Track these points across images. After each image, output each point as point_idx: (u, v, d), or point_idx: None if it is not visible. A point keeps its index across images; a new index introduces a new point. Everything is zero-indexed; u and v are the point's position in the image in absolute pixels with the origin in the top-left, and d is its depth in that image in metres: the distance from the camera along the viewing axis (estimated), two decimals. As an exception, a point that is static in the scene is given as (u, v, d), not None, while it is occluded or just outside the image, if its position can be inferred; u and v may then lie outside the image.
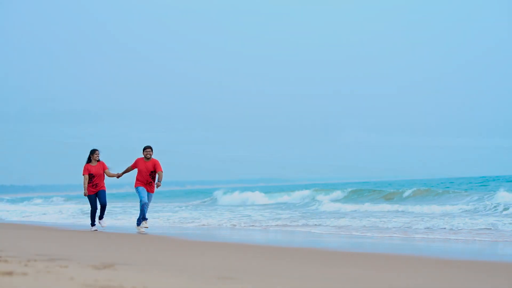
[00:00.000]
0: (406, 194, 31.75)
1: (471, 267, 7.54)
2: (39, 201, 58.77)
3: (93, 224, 15.05)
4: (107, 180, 15.01)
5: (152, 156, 14.13)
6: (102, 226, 14.84)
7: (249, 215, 21.90)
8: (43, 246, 9.35)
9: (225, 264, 7.18)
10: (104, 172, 14.76)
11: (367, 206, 24.03)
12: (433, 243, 11.51)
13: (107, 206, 15.21)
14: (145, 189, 14.14)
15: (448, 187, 38.31)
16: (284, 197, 37.55)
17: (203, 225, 18.32)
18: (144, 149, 14.18)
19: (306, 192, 38.20)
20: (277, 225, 17.25)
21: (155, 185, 14.16)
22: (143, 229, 14.53)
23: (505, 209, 18.75)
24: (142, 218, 14.15)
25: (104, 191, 14.81)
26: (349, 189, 37.34)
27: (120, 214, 24.73)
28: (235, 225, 17.70)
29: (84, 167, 14.70)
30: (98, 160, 14.78)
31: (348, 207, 24.73)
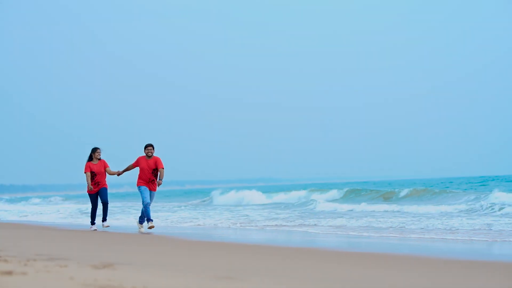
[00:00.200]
0: (402, 193, 31.79)
1: (469, 267, 7.57)
2: (37, 200, 58.74)
3: (93, 222, 15.11)
4: (107, 179, 15.12)
5: (153, 154, 14.24)
6: (104, 227, 14.86)
7: (247, 215, 21.96)
8: (42, 245, 9.36)
9: (225, 263, 7.19)
10: (105, 170, 14.87)
11: (363, 206, 24.07)
12: (430, 243, 11.53)
13: (108, 205, 15.28)
14: (147, 189, 14.17)
15: (447, 187, 38.33)
16: (282, 197, 37.64)
17: (198, 225, 18.32)
18: (146, 147, 14.23)
19: (303, 192, 38.32)
20: (275, 225, 17.30)
21: (157, 184, 14.23)
22: (142, 229, 14.61)
23: (501, 208, 18.80)
24: (146, 220, 14.16)
25: (106, 189, 14.86)
26: (346, 189, 37.39)
27: (119, 214, 24.76)
28: (233, 225, 17.76)
29: (86, 165, 14.77)
30: (99, 159, 14.89)
31: (345, 206, 24.76)
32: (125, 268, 5.99)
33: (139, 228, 14.67)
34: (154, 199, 14.70)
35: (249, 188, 45.06)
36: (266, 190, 48.35)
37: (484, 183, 43.62)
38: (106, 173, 14.92)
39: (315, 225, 16.69)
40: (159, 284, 4.90)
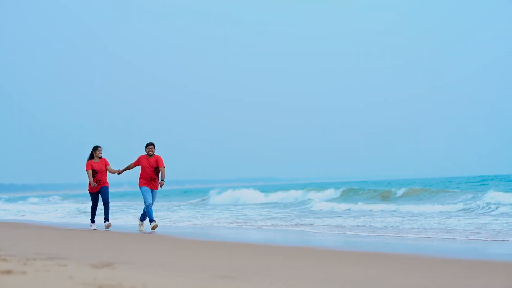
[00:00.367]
0: (399, 193, 31.80)
1: (469, 266, 7.59)
2: (35, 200, 58.73)
3: (93, 220, 15.14)
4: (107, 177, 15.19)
5: (154, 153, 14.29)
6: (106, 228, 14.82)
7: (245, 214, 22.03)
8: (42, 245, 9.34)
9: (225, 263, 7.19)
10: (106, 168, 14.91)
11: (360, 206, 24.09)
12: (427, 242, 11.56)
13: (109, 204, 15.32)
14: (149, 190, 14.18)
15: (446, 186, 38.32)
16: (279, 196, 37.67)
17: (196, 224, 18.32)
18: (147, 146, 14.26)
19: (300, 191, 38.34)
20: (273, 224, 17.33)
21: (159, 184, 14.25)
22: (142, 227, 14.68)
23: (497, 207, 18.82)
24: (149, 220, 14.16)
25: (107, 188, 14.88)
26: (343, 188, 37.40)
27: (118, 213, 24.76)
28: (231, 224, 17.82)
29: (87, 163, 14.79)
30: (100, 157, 14.94)
31: (342, 206, 24.79)
32: (124, 267, 5.98)
33: (140, 225, 14.73)
34: (156, 199, 14.75)
35: (248, 187, 45.06)
36: (264, 189, 48.37)
37: (483, 183, 43.57)
38: (107, 171, 15.00)
39: (312, 224, 16.72)
40: (159, 284, 4.89)
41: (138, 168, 14.40)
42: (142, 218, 14.69)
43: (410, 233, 13.52)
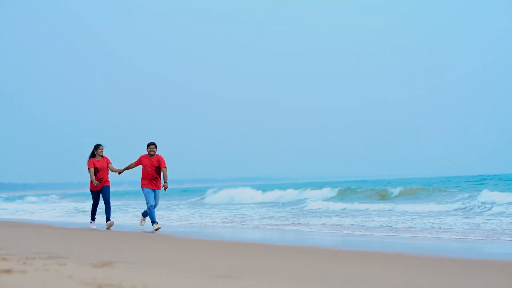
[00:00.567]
0: (396, 192, 31.84)
1: (467, 266, 7.60)
2: (33, 199, 58.68)
3: (93, 218, 15.16)
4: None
5: (156, 152, 14.30)
6: (108, 227, 14.81)
7: (243, 214, 22.09)
8: (41, 244, 9.36)
9: (224, 262, 7.19)
10: (107, 166, 14.93)
11: (356, 205, 24.12)
12: (423, 241, 11.58)
13: (110, 203, 15.35)
14: (151, 192, 14.16)
15: (444, 186, 38.34)
16: (277, 195, 37.72)
17: (191, 223, 18.37)
18: (148, 145, 14.26)
19: (297, 191, 38.42)
20: (270, 224, 17.39)
21: (162, 187, 14.22)
22: (143, 222, 14.74)
23: (491, 208, 18.87)
24: (151, 222, 14.15)
25: (108, 187, 14.90)
26: (339, 188, 37.45)
27: (118, 212, 24.76)
28: (230, 223, 17.80)
29: (89, 161, 14.80)
30: (102, 156, 14.97)
31: (338, 205, 24.83)
32: (124, 267, 5.99)
33: (141, 220, 14.78)
34: (160, 199, 14.68)
35: (246, 186, 45.11)
36: (262, 188, 48.42)
37: (481, 182, 43.57)
38: (109, 170, 15.05)
39: (309, 224, 16.72)
40: (159, 283, 4.89)
41: (139, 167, 14.40)
42: (145, 214, 14.71)
43: (406, 232, 13.54)
